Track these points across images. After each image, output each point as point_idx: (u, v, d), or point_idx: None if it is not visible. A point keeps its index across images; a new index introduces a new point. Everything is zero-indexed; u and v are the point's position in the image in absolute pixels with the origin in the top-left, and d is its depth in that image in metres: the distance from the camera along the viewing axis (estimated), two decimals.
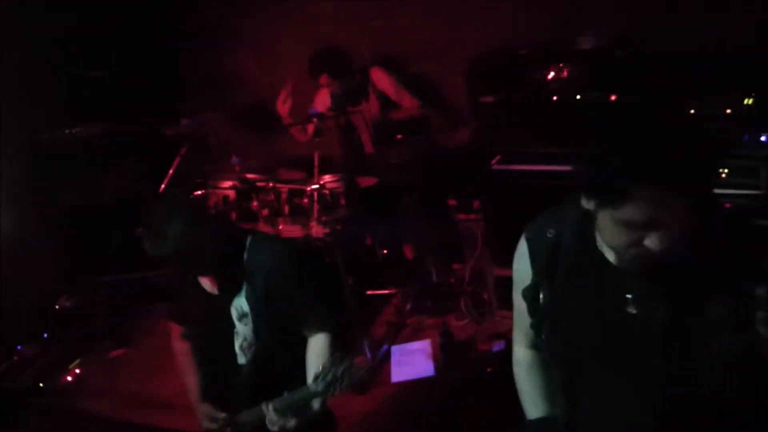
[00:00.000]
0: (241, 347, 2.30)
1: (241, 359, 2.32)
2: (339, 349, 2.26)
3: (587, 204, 1.36)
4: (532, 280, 1.61)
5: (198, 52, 5.19)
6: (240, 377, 2.34)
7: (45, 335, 4.37)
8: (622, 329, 1.47)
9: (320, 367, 2.02)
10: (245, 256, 2.25)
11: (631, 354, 1.48)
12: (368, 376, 2.95)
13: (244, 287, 2.25)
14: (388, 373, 3.75)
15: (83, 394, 4.05)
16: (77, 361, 4.26)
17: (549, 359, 1.69)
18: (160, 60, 5.18)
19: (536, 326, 1.62)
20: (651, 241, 1.30)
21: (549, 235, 1.57)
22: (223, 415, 2.34)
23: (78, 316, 4.58)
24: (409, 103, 4.31)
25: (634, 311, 1.44)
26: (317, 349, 2.27)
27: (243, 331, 2.28)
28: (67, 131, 4.61)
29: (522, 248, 1.65)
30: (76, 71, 4.88)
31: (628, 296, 1.44)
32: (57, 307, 4.48)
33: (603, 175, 1.28)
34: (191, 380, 2.53)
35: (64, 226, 4.68)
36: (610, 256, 1.46)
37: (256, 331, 2.27)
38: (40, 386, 4.06)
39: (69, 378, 4.14)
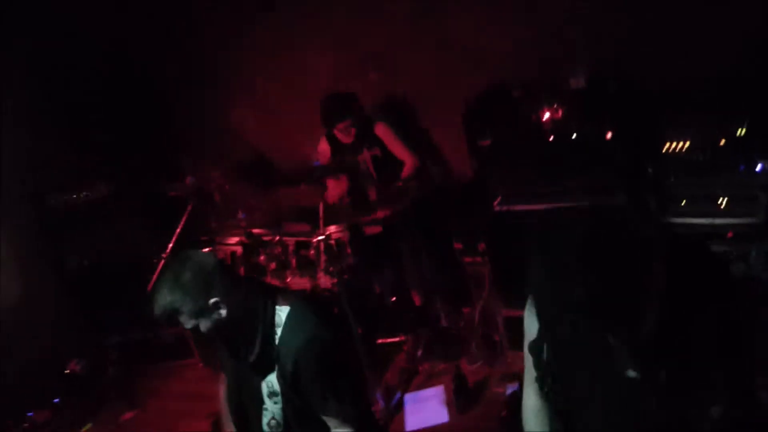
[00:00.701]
0: (269, 425, 2.24)
1: None
2: None
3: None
4: (538, 334, 1.64)
5: (197, 109, 5.28)
6: None
7: (56, 400, 4.34)
8: (621, 389, 1.48)
9: None
10: (278, 333, 2.14)
11: (629, 413, 1.50)
12: None
13: (276, 366, 2.16)
14: (402, 422, 3.71)
15: None
16: (89, 425, 4.23)
17: (552, 413, 1.70)
18: (160, 118, 5.28)
19: (540, 380, 1.65)
20: None
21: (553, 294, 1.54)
22: None
23: (88, 379, 4.56)
24: (408, 158, 4.36)
25: (634, 374, 1.44)
26: None
27: (272, 409, 2.21)
28: (72, 195, 4.67)
29: (529, 303, 1.67)
30: (78, 134, 4.99)
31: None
32: (67, 371, 4.47)
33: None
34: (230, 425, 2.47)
35: (71, 289, 4.70)
36: None
37: (284, 412, 2.20)
38: None
39: None
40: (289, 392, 2.14)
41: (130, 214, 4.72)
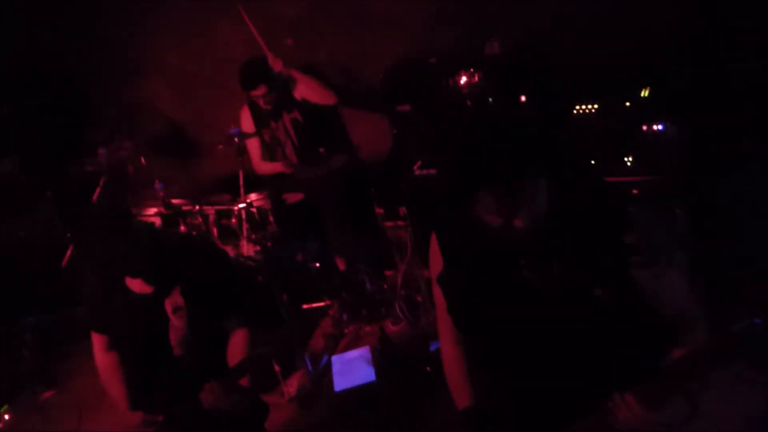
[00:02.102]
0: (176, 340, 2.44)
1: (176, 351, 2.46)
2: (258, 345, 2.48)
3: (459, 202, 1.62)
4: (444, 266, 1.81)
5: (108, 83, 5.10)
6: (177, 368, 2.46)
7: None
8: (519, 291, 1.71)
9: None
10: (170, 254, 2.42)
11: (530, 312, 1.71)
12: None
13: (176, 284, 2.41)
14: (331, 383, 3.79)
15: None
16: (5, 407, 4.08)
17: (466, 336, 1.88)
18: (71, 93, 5.07)
19: (451, 307, 1.79)
20: (519, 219, 1.57)
21: (452, 226, 1.81)
22: (158, 418, 2.45)
23: (3, 361, 4.40)
24: (325, 96, 4.28)
25: (527, 273, 1.69)
26: (236, 343, 2.46)
27: (178, 322, 2.43)
28: None
29: (433, 242, 1.86)
30: None
31: (522, 262, 1.70)
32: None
33: (453, 182, 1.59)
34: (120, 390, 2.62)
35: None
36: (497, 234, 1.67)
37: (190, 322, 2.42)
38: None
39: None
40: (191, 303, 2.41)
41: (39, 190, 4.53)
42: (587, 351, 1.70)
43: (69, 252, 4.24)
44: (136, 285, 2.44)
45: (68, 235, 4.26)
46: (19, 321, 4.48)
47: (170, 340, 2.46)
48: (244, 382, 2.44)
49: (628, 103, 3.13)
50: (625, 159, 3.08)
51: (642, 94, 3.11)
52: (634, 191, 3.06)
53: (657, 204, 2.95)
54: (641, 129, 3.07)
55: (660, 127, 3.06)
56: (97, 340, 2.65)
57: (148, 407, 2.55)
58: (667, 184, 2.95)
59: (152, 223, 3.94)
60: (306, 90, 4.26)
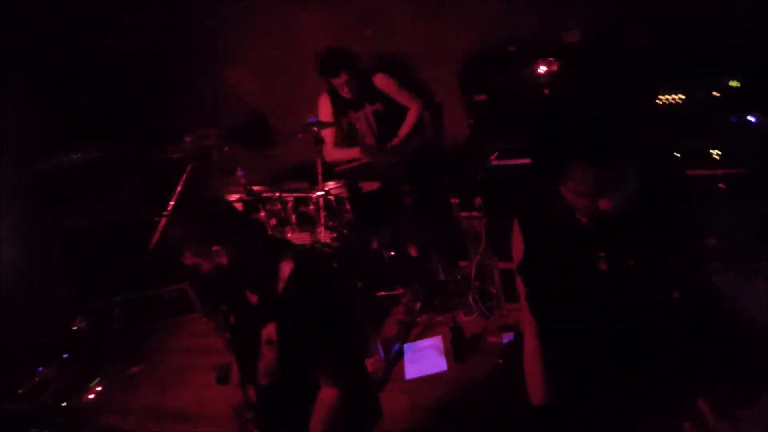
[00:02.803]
0: (264, 370, 2.32)
1: (262, 380, 2.36)
2: (347, 408, 2.24)
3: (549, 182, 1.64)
4: (524, 254, 1.81)
5: (193, 71, 5.27)
6: (258, 396, 2.38)
7: (65, 356, 4.45)
8: (597, 285, 1.70)
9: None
10: (281, 285, 2.22)
11: (606, 307, 1.70)
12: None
13: (277, 317, 2.24)
14: (402, 371, 3.82)
15: (104, 411, 4.13)
16: (97, 380, 4.33)
17: (543, 326, 1.85)
18: (158, 81, 5.27)
19: (530, 296, 1.79)
20: (603, 203, 1.57)
21: (534, 215, 1.82)
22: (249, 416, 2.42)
23: (93, 336, 4.66)
24: (411, 103, 4.39)
25: (605, 267, 1.69)
26: (324, 402, 2.25)
27: (268, 355, 2.29)
28: (69, 154, 4.69)
29: (515, 230, 1.86)
30: (74, 94, 4.98)
31: (601, 255, 1.69)
32: (74, 328, 4.56)
33: (549, 160, 1.61)
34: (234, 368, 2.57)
35: (73, 249, 4.76)
36: (579, 222, 1.68)
37: (279, 360, 2.27)
38: (62, 406, 4.13)
39: (91, 396, 4.22)
40: (285, 343, 2.23)
41: (128, 175, 4.74)
42: (659, 353, 1.65)
43: (157, 235, 4.43)
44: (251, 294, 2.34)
45: (155, 218, 4.45)
46: (108, 298, 4.73)
47: (259, 366, 2.34)
48: None
49: (716, 93, 2.99)
50: (712, 152, 2.95)
51: (731, 84, 2.96)
52: (721, 185, 2.93)
53: (744, 200, 2.82)
54: (730, 121, 2.93)
55: (752, 119, 2.92)
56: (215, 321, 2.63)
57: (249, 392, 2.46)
58: (756, 180, 2.81)
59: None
60: (392, 92, 4.32)
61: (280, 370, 2.31)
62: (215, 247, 2.12)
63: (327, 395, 2.24)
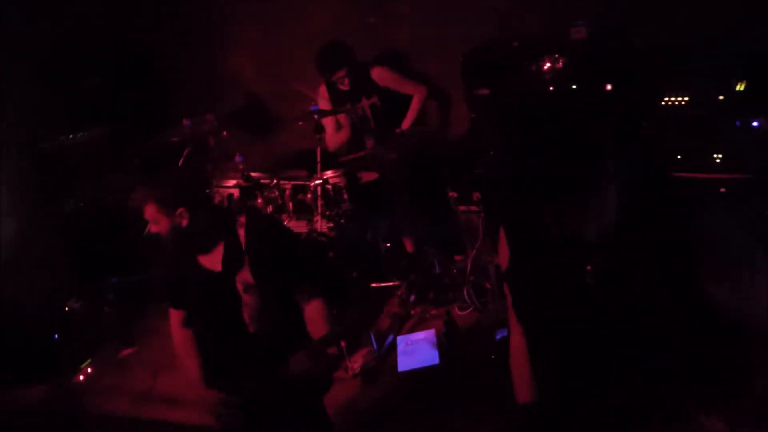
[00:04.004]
0: (250, 317, 2.48)
1: (251, 328, 2.51)
2: (332, 311, 2.53)
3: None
4: (511, 261, 1.79)
5: (193, 57, 5.24)
6: (252, 344, 2.51)
7: (56, 336, 4.43)
8: (583, 297, 1.66)
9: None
10: (244, 232, 2.48)
11: (592, 316, 1.66)
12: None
13: (248, 262, 2.45)
14: (395, 363, 3.82)
15: (95, 393, 4.12)
16: (88, 361, 4.32)
17: (529, 332, 1.84)
18: (155, 65, 5.24)
19: (516, 303, 1.80)
20: (595, 212, 1.54)
21: (522, 222, 1.77)
22: (233, 398, 2.48)
23: (86, 317, 4.64)
24: (415, 90, 4.35)
25: (593, 281, 1.64)
26: (313, 313, 2.51)
27: (250, 300, 2.47)
28: (69, 137, 4.66)
29: (502, 235, 1.84)
30: (75, 78, 4.95)
31: (588, 268, 1.64)
32: (66, 309, 4.54)
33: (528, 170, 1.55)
34: (195, 368, 2.66)
35: (70, 231, 4.73)
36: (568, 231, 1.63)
37: (262, 299, 2.47)
38: (51, 386, 4.12)
39: (81, 377, 4.20)
40: (262, 279, 2.46)
41: (126, 158, 4.72)
42: (653, 354, 1.64)
43: None
44: (207, 261, 2.50)
45: None
46: (103, 281, 4.71)
47: (244, 317, 2.49)
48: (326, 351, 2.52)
49: (721, 96, 2.97)
50: (715, 155, 2.94)
51: (737, 88, 2.94)
52: (722, 189, 2.92)
53: (746, 205, 2.81)
54: (734, 124, 2.92)
55: (755, 123, 2.90)
56: (174, 316, 2.70)
57: (222, 387, 2.56)
58: (758, 185, 2.80)
59: (221, 200, 4.08)
60: (392, 84, 4.29)
61: (264, 312, 2.49)
62: (179, 209, 2.39)
63: (312, 306, 2.52)
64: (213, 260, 2.49)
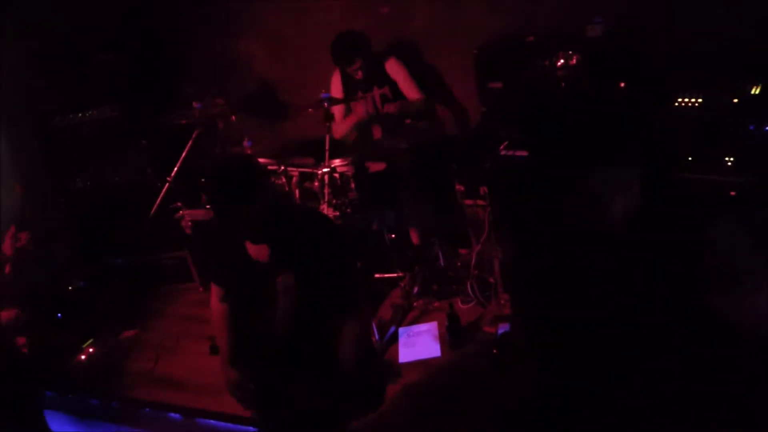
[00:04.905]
0: (279, 320, 2.38)
1: (276, 330, 2.41)
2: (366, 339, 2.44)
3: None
4: (515, 252, 1.76)
5: (206, 38, 5.22)
6: (272, 347, 2.43)
7: (59, 315, 4.44)
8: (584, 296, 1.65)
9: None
10: (296, 231, 2.33)
11: (589, 317, 1.63)
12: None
13: (292, 262, 2.33)
14: (396, 354, 3.82)
15: (95, 373, 4.14)
16: (90, 341, 4.34)
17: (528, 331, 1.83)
18: (169, 45, 5.23)
19: (516, 293, 1.78)
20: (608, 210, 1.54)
21: (530, 215, 1.80)
22: (250, 384, 2.46)
23: (90, 297, 4.66)
24: (415, 95, 4.33)
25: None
26: (350, 335, 2.41)
27: (284, 303, 2.35)
28: (79, 115, 4.66)
29: (507, 231, 1.80)
30: (87, 56, 4.95)
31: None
32: (70, 288, 4.56)
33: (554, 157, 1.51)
34: (224, 343, 2.61)
35: (77, 209, 4.74)
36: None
37: (298, 305, 2.35)
38: (54, 365, 4.14)
39: (82, 357, 4.22)
40: (306, 285, 2.32)
41: (135, 138, 4.71)
42: (652, 363, 1.62)
43: (158, 200, 4.42)
44: (255, 250, 2.37)
45: (158, 183, 4.44)
46: (108, 261, 4.73)
47: (273, 318, 2.40)
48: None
49: (736, 100, 2.94)
50: (726, 158, 2.91)
51: (753, 91, 2.91)
52: (732, 193, 2.90)
53: (753, 209, 2.79)
54: (747, 128, 2.89)
55: None
56: (213, 290, 2.63)
57: (242, 370, 2.54)
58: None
59: (285, 192, 4.04)
60: (400, 79, 4.27)
61: (295, 318, 2.37)
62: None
63: (350, 328, 2.39)
64: (261, 251, 2.35)
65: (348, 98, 4.37)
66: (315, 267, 2.31)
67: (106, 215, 4.65)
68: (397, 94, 4.34)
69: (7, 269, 4.01)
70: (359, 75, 4.27)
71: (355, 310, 2.44)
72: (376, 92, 4.34)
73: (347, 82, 4.40)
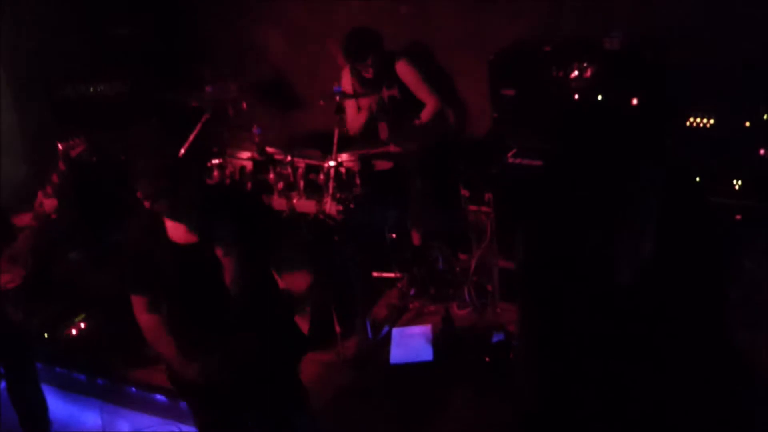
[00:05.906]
0: (231, 280, 2.47)
1: (231, 292, 2.50)
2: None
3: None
4: (525, 262, 1.76)
5: (223, 23, 5.22)
6: (234, 307, 2.50)
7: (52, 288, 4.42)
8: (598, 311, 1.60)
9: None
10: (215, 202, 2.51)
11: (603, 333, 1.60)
12: None
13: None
14: (387, 354, 3.80)
15: (87, 348, 4.11)
16: (82, 316, 4.31)
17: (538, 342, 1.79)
18: (185, 25, 5.23)
19: (525, 304, 1.76)
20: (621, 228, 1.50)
21: (545, 225, 1.70)
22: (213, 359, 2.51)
23: (86, 271, 4.63)
24: (428, 99, 4.32)
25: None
26: (300, 285, 2.69)
27: (230, 265, 2.47)
28: (91, 88, 4.65)
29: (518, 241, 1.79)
30: (101, 27, 4.94)
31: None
32: (69, 259, 4.54)
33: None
34: (171, 350, 2.57)
35: (79, 182, 4.72)
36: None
37: (241, 262, 2.47)
38: (44, 337, 4.12)
39: (73, 331, 4.19)
40: (240, 243, 2.48)
41: (145, 115, 4.70)
42: (663, 381, 1.58)
43: None
44: (178, 236, 2.45)
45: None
46: (106, 235, 4.70)
47: (225, 282, 2.47)
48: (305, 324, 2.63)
49: (748, 123, 2.93)
50: (734, 181, 2.90)
51: (765, 117, 2.90)
52: (738, 216, 2.88)
53: (759, 235, 2.77)
54: (758, 152, 2.87)
55: None
56: (138, 303, 2.58)
57: (201, 356, 2.54)
58: None
59: (232, 171, 4.16)
60: (411, 82, 4.25)
61: (242, 276, 2.49)
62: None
63: (299, 279, 2.65)
64: (186, 233, 2.45)
65: (359, 94, 4.35)
66: (242, 228, 2.47)
67: (108, 190, 4.62)
68: (407, 96, 4.32)
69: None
70: (369, 73, 4.26)
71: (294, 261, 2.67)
72: (385, 93, 4.31)
73: (357, 79, 4.39)
